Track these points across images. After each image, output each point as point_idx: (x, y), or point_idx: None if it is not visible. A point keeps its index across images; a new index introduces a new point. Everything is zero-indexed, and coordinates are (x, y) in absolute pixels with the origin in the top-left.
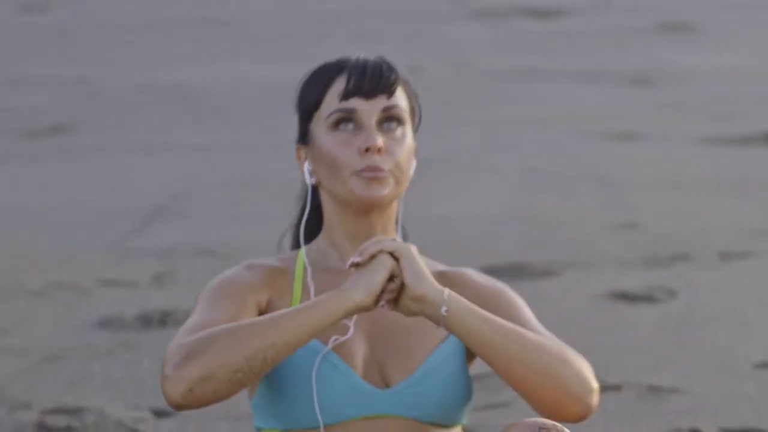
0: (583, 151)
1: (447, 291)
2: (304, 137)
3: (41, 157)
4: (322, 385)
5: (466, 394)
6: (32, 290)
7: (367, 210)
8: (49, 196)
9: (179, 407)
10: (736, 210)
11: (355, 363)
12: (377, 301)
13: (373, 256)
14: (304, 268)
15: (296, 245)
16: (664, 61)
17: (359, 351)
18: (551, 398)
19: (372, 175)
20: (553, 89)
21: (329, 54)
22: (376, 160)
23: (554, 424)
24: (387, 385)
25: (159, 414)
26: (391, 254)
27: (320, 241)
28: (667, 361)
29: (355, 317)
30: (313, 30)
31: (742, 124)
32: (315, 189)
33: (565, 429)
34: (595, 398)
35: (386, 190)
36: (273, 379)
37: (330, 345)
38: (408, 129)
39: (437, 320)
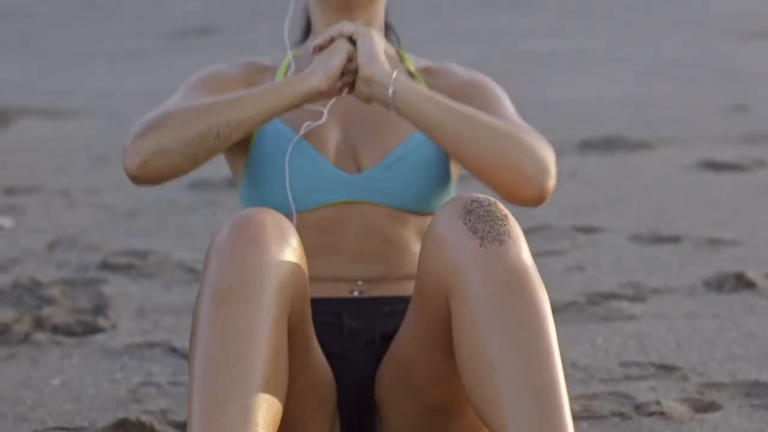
0: (717, 47)
1: (395, 73)
2: None
3: (180, 54)
4: (292, 171)
5: (442, 181)
6: None
7: (346, 6)
8: (176, 82)
9: (136, 179)
10: None
11: (327, 149)
12: (340, 86)
13: (333, 40)
14: (287, 67)
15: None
16: None
17: (332, 137)
18: (503, 179)
19: None
20: None
21: None
22: None
23: (487, 198)
24: (359, 171)
25: None
26: (350, 38)
27: (308, 43)
28: (736, 220)
29: (329, 104)
30: None
31: None
32: None
33: (498, 203)
34: (550, 181)
35: None
36: (252, 166)
37: (302, 131)
38: None
39: (386, 102)
